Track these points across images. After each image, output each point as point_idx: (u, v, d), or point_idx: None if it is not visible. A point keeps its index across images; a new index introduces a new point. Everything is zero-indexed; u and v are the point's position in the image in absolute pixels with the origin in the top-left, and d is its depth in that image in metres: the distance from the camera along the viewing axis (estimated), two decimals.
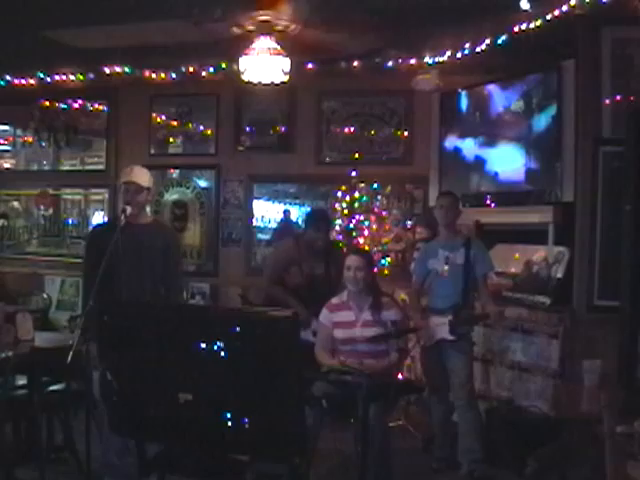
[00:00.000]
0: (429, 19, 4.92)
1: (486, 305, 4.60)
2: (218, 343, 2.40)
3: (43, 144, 8.05)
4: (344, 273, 4.36)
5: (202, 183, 7.44)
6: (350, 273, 4.30)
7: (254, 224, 7.23)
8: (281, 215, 7.14)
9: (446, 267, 4.65)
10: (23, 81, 7.18)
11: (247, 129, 7.20)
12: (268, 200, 7.23)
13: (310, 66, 6.32)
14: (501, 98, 5.80)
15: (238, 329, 2.41)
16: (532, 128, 5.49)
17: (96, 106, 7.73)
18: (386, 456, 3.96)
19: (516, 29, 5.01)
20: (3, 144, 8.39)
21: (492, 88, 5.90)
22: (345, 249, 5.60)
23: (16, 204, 8.34)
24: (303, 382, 2.68)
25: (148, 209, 7.36)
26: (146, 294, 3.99)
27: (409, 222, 6.57)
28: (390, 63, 6.15)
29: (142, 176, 4.19)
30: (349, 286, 4.33)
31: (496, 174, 5.87)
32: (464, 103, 6.20)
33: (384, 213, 6.52)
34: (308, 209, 6.73)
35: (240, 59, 5.27)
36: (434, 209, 4.90)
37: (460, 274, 4.59)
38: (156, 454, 2.86)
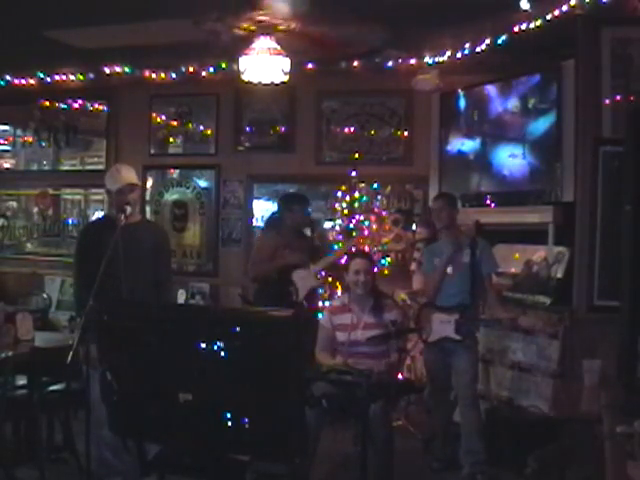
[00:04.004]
0: (429, 19, 4.92)
1: (496, 308, 4.62)
2: (218, 343, 2.39)
3: (43, 144, 8.05)
4: (351, 277, 4.35)
5: (202, 183, 7.44)
6: (360, 277, 4.29)
7: (254, 224, 7.23)
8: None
9: (450, 267, 4.67)
10: (23, 81, 7.19)
11: (247, 129, 7.20)
12: (268, 200, 7.23)
13: (310, 66, 6.32)
14: (501, 98, 5.80)
15: (238, 329, 2.41)
16: (532, 128, 5.49)
17: (96, 106, 7.73)
18: (389, 456, 3.97)
19: (516, 29, 5.02)
20: (3, 144, 8.40)
21: (492, 88, 5.90)
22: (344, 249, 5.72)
23: (16, 204, 8.35)
24: (303, 382, 2.68)
25: (148, 209, 7.49)
26: (140, 292, 4.00)
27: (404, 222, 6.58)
28: (390, 63, 6.15)
29: (134, 174, 4.23)
30: (357, 290, 4.32)
31: (496, 174, 5.87)
32: (464, 103, 6.20)
33: (384, 213, 6.52)
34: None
35: (240, 59, 5.28)
36: (431, 213, 4.98)
37: (467, 273, 4.62)
38: (156, 454, 2.86)
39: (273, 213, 6.05)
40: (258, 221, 7.20)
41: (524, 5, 4.53)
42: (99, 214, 7.65)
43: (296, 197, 5.93)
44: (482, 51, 5.48)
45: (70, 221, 7.95)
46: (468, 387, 4.58)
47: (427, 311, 4.74)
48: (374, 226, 6.19)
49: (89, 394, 3.64)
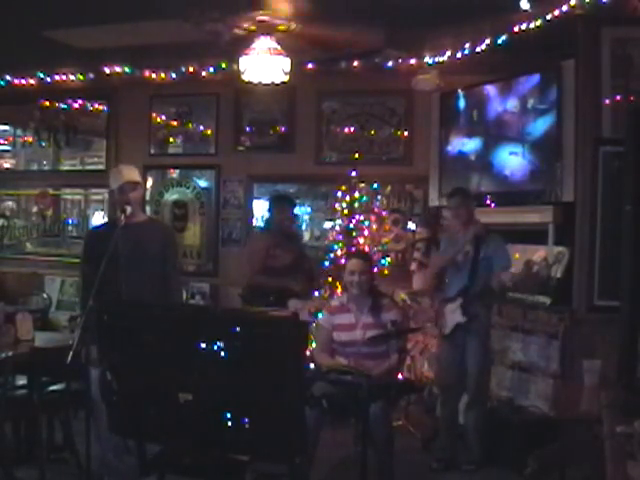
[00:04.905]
0: (429, 19, 4.92)
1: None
2: (218, 343, 2.40)
3: (43, 144, 8.04)
4: (346, 277, 4.36)
5: (202, 183, 7.44)
6: (355, 277, 4.29)
7: (254, 224, 7.22)
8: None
9: (460, 257, 4.70)
10: (23, 81, 7.20)
11: (247, 129, 7.20)
12: (268, 200, 7.22)
13: (310, 66, 6.32)
14: (501, 98, 5.79)
15: (238, 329, 2.41)
16: (532, 128, 5.49)
17: (96, 106, 7.72)
18: (389, 456, 3.97)
19: (516, 29, 5.02)
20: (3, 144, 8.40)
21: (492, 88, 5.89)
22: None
23: (16, 204, 8.34)
24: (303, 382, 2.68)
25: (148, 208, 7.49)
26: (147, 292, 3.99)
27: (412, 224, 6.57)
28: (390, 63, 6.16)
29: (136, 173, 4.23)
30: (353, 290, 4.32)
31: (496, 174, 5.87)
32: (464, 103, 6.19)
33: (384, 213, 6.52)
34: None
35: (240, 59, 5.28)
36: (447, 211, 4.97)
37: (469, 262, 4.63)
38: (156, 454, 2.86)
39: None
40: (258, 221, 7.20)
41: (524, 5, 4.53)
42: (99, 214, 7.69)
43: (279, 199, 5.86)
44: (482, 51, 5.48)
45: (70, 221, 7.95)
46: (474, 381, 4.61)
47: (442, 306, 4.79)
48: (374, 226, 6.19)
49: (90, 394, 3.64)
